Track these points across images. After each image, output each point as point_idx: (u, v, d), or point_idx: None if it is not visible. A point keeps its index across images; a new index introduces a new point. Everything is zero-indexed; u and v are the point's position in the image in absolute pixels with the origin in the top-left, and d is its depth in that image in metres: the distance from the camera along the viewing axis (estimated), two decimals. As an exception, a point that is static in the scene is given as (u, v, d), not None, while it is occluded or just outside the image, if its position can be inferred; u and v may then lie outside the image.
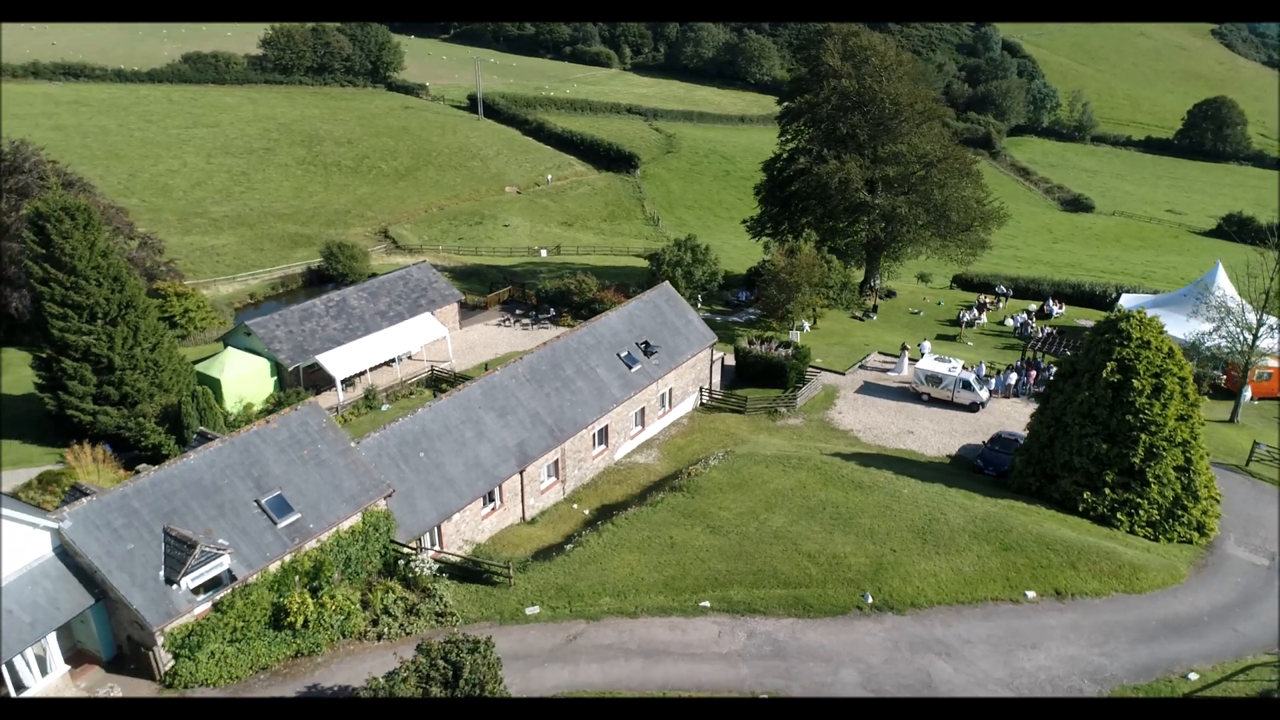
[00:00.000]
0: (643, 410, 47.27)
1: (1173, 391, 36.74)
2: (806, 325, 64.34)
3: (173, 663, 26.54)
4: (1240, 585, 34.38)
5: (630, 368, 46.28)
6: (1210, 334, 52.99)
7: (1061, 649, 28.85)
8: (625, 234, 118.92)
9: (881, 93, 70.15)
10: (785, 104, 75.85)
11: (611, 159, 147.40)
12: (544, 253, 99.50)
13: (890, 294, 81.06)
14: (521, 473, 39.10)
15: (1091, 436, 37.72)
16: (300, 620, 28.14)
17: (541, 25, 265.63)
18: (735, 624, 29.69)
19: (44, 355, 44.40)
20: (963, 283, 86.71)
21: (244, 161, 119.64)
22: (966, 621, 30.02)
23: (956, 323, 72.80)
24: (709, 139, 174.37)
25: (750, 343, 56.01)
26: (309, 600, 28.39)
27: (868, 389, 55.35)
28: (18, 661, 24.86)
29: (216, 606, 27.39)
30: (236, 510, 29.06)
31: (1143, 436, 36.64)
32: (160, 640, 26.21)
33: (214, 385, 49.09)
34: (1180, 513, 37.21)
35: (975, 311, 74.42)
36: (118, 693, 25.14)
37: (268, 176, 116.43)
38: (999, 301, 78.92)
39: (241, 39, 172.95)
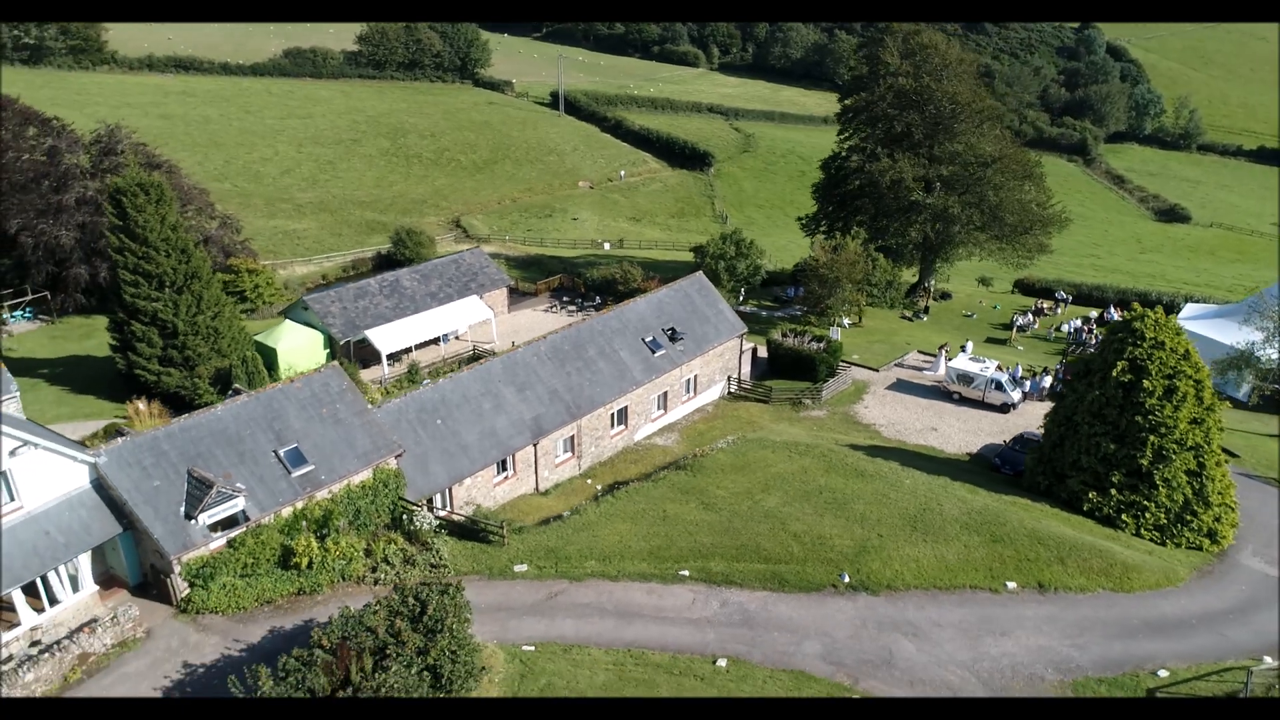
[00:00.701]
0: (665, 394, 48.62)
1: (1186, 393, 36.14)
2: (846, 321, 64.45)
3: (188, 590, 29.30)
4: (1243, 594, 33.68)
5: (654, 352, 47.69)
6: (1262, 344, 51.28)
7: (1032, 639, 29.03)
8: (691, 230, 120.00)
9: (939, 91, 69.71)
10: (843, 102, 75.97)
11: (686, 157, 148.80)
12: (607, 245, 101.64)
13: (945, 296, 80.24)
14: (535, 445, 40.99)
15: (1100, 436, 37.39)
16: (305, 561, 30.58)
17: (630, 25, 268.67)
18: (710, 593, 30.85)
19: (118, 319, 48.47)
20: (1024, 287, 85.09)
21: (331, 151, 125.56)
22: (940, 606, 30.45)
23: (1009, 326, 71.77)
24: (789, 139, 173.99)
25: (784, 335, 56.71)
26: (314, 544, 30.83)
27: (900, 386, 55.40)
28: (51, 577, 27.96)
29: (230, 543, 30.05)
30: (255, 458, 31.74)
31: (1152, 438, 36.16)
32: (178, 569, 28.99)
33: (270, 354, 52.58)
34: (1189, 518, 36.56)
35: (1030, 316, 73.16)
36: (135, 613, 27.97)
37: (352, 166, 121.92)
38: (1057, 307, 77.28)
39: (339, 36, 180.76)
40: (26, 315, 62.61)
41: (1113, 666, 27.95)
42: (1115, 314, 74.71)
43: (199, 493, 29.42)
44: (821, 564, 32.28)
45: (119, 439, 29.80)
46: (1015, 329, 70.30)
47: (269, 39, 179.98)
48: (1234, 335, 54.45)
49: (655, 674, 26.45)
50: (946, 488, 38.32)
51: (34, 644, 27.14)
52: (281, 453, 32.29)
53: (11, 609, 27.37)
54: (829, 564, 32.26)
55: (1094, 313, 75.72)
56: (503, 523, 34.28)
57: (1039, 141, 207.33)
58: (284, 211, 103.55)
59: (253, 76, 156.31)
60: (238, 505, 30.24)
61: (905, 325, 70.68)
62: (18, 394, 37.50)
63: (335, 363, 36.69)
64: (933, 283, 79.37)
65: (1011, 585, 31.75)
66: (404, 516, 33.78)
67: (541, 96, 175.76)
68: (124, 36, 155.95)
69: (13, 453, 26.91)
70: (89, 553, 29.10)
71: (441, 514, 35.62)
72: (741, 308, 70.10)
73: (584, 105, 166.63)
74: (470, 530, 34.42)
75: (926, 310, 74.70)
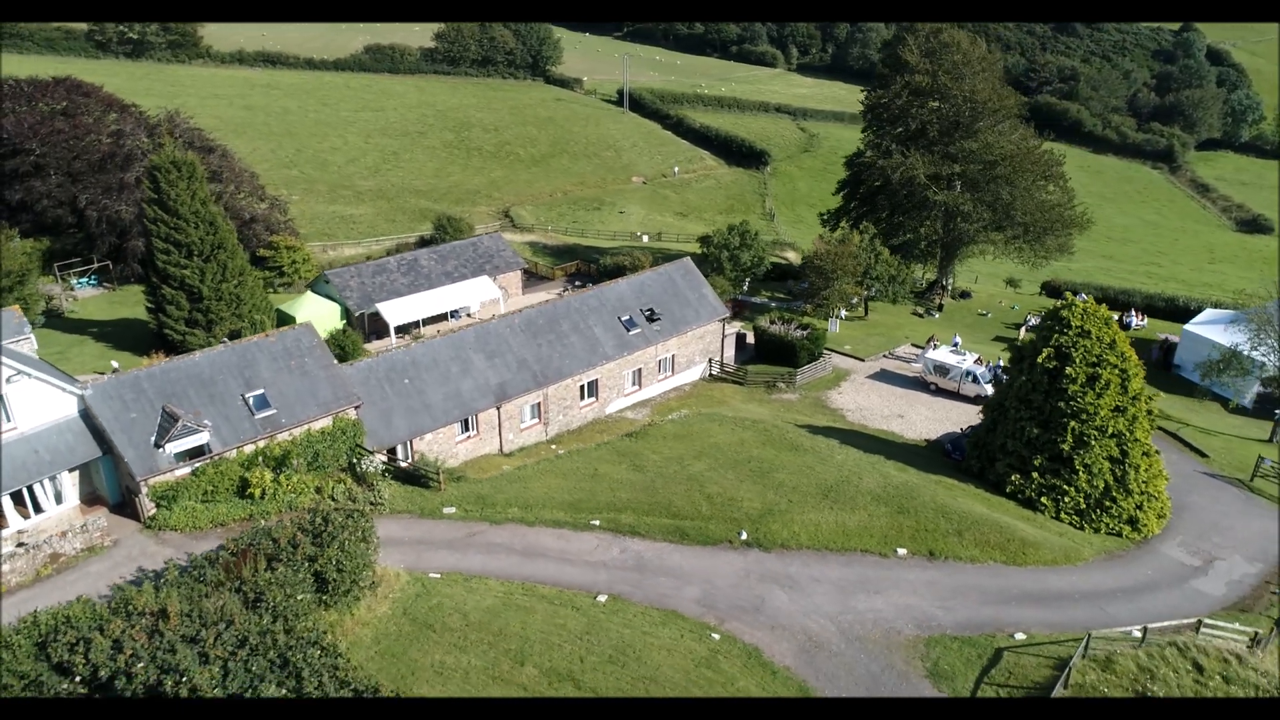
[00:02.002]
0: (639, 371, 51.26)
1: (1109, 381, 36.95)
2: (843, 313, 65.76)
3: (154, 510, 33.53)
4: (1146, 577, 34.46)
5: (629, 331, 50.40)
6: (1245, 346, 50.82)
7: (903, 598, 30.70)
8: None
9: (955, 89, 70.17)
10: (861, 101, 76.97)
11: (743, 155, 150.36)
12: (645, 238, 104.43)
13: (965, 295, 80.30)
14: (499, 409, 44.26)
15: (1025, 421, 38.48)
16: (259, 492, 34.51)
17: (710, 25, 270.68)
18: (614, 541, 33.47)
19: (153, 284, 53.85)
20: (1051, 290, 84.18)
21: (397, 142, 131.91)
22: (825, 565, 32.35)
23: (1030, 327, 71.63)
24: (854, 140, 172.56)
25: (770, 323, 58.62)
26: (268, 478, 34.73)
27: (882, 376, 56.69)
28: (37, 489, 32.58)
29: (194, 472, 34.20)
30: (224, 400, 35.89)
31: (1073, 424, 37.10)
32: (145, 490, 33.26)
33: (290, 322, 57.30)
34: (1109, 504, 37.32)
35: (1041, 317, 72.79)
36: (103, 524, 32.32)
37: (414, 157, 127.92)
38: (1076, 309, 76.39)
39: (419, 33, 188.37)
40: (91, 282, 69.24)
41: (973, 628, 29.45)
42: (1137, 319, 73.82)
43: (167, 425, 33.65)
44: (725, 522, 34.53)
45: (103, 376, 34.26)
46: (1024, 328, 70.11)
47: (354, 36, 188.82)
48: (1237, 339, 53.92)
49: (536, 603, 29.29)
50: (875, 465, 39.95)
51: (20, 545, 31.71)
52: (248, 397, 36.38)
53: (1, 515, 32.04)
54: (732, 523, 34.49)
55: (1115, 316, 74.64)
56: (439, 470, 37.62)
57: (1122, 148, 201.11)
58: (344, 198, 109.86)
59: (334, 71, 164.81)
60: (202, 439, 34.38)
61: (914, 321, 71.40)
62: (31, 335, 42.73)
63: (308, 322, 40.72)
64: (951, 281, 79.55)
65: (902, 552, 33.38)
66: (355, 461, 37.44)
67: (609, 94, 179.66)
68: (219, 33, 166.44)
69: (9, 380, 31.54)
70: (75, 472, 33.68)
71: (388, 461, 39.15)
72: (752, 298, 72.14)
73: (648, 103, 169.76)
74: (413, 476, 37.90)
75: (941, 307, 75.10)
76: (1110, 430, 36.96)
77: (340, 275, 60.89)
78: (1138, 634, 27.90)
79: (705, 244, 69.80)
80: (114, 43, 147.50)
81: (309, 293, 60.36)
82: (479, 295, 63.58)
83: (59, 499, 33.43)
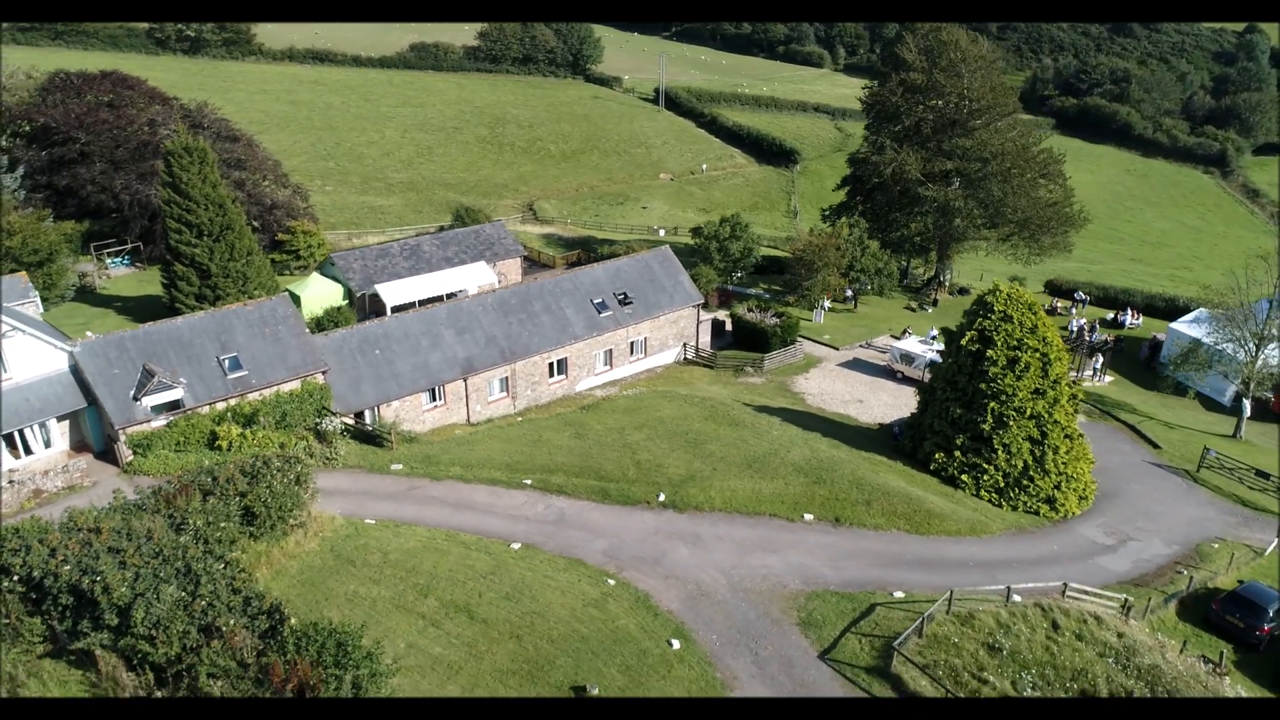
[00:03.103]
0: (610, 352, 53.79)
1: (1029, 364, 38.35)
2: (828, 304, 67.33)
3: (131, 457, 37.19)
4: (1052, 552, 35.89)
5: (600, 313, 52.98)
6: (1206, 336, 51.37)
7: (796, 557, 32.71)
8: (758, 223, 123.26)
9: (950, 87, 71.19)
10: (860, 99, 78.30)
11: (773, 153, 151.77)
12: (661, 232, 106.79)
13: (963, 291, 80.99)
14: (466, 381, 47.23)
15: (950, 402, 40.07)
16: (226, 444, 37.94)
17: (757, 25, 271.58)
18: (541, 498, 36.10)
19: (166, 261, 58.11)
20: (1053, 288, 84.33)
21: (432, 137, 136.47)
22: (732, 526, 34.51)
23: (1015, 323, 72.31)
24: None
25: (748, 310, 60.64)
26: (235, 432, 38.17)
27: (853, 364, 58.32)
28: (28, 433, 36.50)
29: (169, 424, 37.79)
30: (200, 361, 39.47)
31: (993, 405, 38.59)
32: (123, 439, 36.94)
33: (296, 301, 61.11)
34: (1027, 483, 38.71)
35: (1037, 313, 73.35)
36: (84, 466, 36.08)
37: (448, 151, 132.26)
38: (1073, 307, 76.78)
39: (463, 32, 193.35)
40: (125, 262, 74.25)
41: (856, 585, 31.35)
42: (1132, 318, 73.86)
43: (145, 380, 37.31)
44: (648, 486, 36.89)
45: (92, 336, 38.06)
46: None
47: (402, 35, 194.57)
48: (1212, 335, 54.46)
49: (453, 546, 32.06)
50: (808, 441, 41.90)
51: (10, 482, 35.59)
52: (223, 359, 39.92)
53: (-5, 454, 36.07)
54: (654, 486, 36.83)
55: (1110, 314, 74.95)
56: (391, 432, 40.68)
57: (1173, 151, 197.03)
58: (376, 189, 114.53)
59: (379, 69, 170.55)
60: (176, 394, 37.97)
61: (906, 314, 72.53)
62: (36, 298, 46.94)
63: (285, 292, 44.18)
64: (949, 276, 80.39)
65: (809, 517, 35.36)
66: (318, 421, 40.74)
67: (647, 93, 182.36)
68: (271, 31, 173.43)
69: (5, 335, 35.47)
70: (64, 421, 37.56)
71: (355, 423, 42.35)
72: (748, 289, 74.06)
73: (684, 101, 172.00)
74: (370, 436, 41.04)
75: (935, 302, 76.09)
76: (1029, 412, 38.36)
77: (345, 258, 64.60)
78: (1002, 593, 29.56)
79: (696, 234, 72.04)
80: (172, 40, 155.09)
81: (315, 274, 64.19)
82: (475, 279, 66.71)
83: (47, 443, 37.32)
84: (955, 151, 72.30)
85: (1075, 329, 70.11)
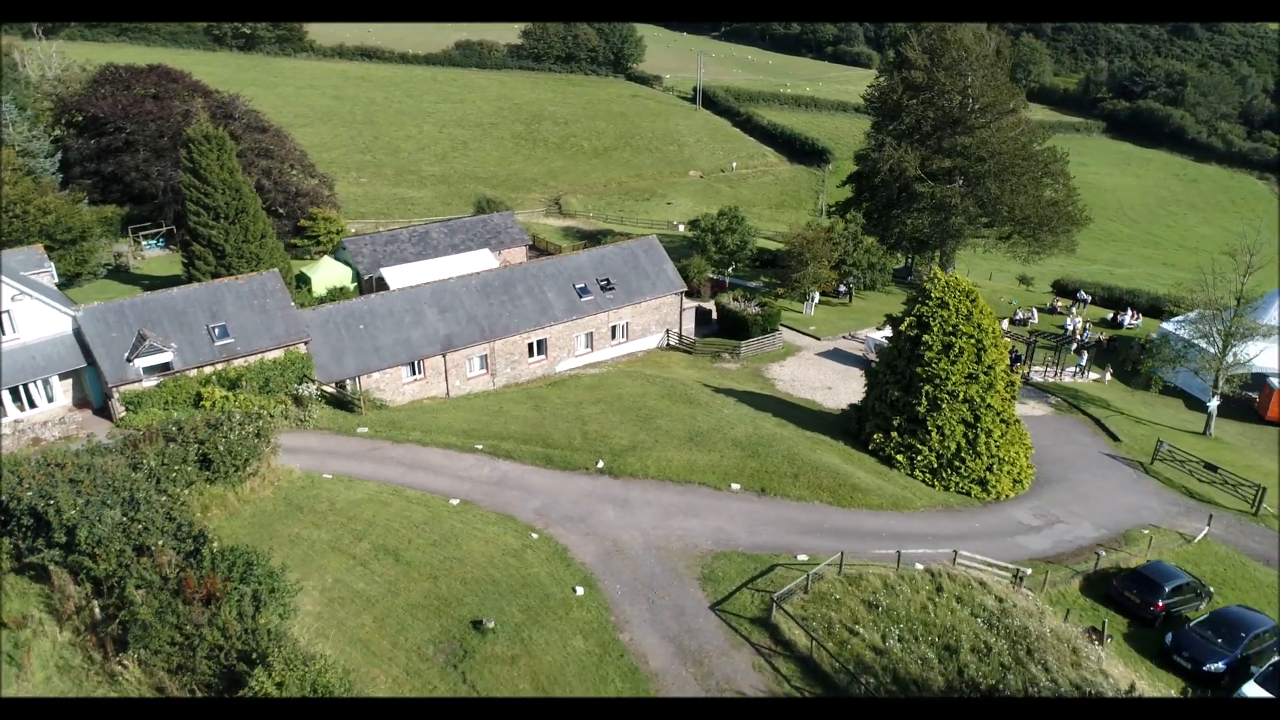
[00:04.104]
0: (591, 335, 56.23)
1: (963, 350, 39.74)
2: (818, 296, 68.80)
3: (124, 413, 40.83)
4: (972, 529, 37.29)
5: (581, 297, 55.46)
6: (1175, 330, 51.89)
7: (717, 522, 34.70)
8: (782, 222, 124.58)
9: (950, 85, 72.04)
10: (862, 97, 79.46)
11: (805, 153, 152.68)
12: (681, 227, 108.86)
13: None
14: (445, 357, 50.12)
15: (890, 384, 41.60)
16: (210, 404, 41.34)
17: (806, 25, 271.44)
18: (489, 461, 38.68)
19: (186, 242, 62.25)
20: (1059, 288, 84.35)
21: (469, 133, 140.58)
22: (662, 492, 36.64)
23: (1013, 320, 72.93)
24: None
25: (733, 300, 62.56)
26: (218, 393, 41.58)
27: (833, 354, 59.85)
28: (33, 388, 40.38)
29: (159, 385, 41.36)
30: (191, 328, 43.00)
31: (927, 388, 40.07)
32: (116, 396, 40.60)
33: (306, 282, 64.94)
34: (959, 464, 40.08)
35: (1033, 311, 73.85)
36: (79, 419, 39.79)
37: (482, 146, 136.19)
38: (1073, 306, 76.93)
39: (508, 31, 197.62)
40: (159, 244, 79.11)
41: (765, 548, 33.25)
42: (1131, 318, 73.83)
43: (138, 343, 40.91)
44: (589, 454, 39.23)
45: (95, 304, 41.83)
46: (1009, 320, 71.46)
47: (449, 33, 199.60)
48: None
49: (397, 500, 34.80)
50: (755, 419, 43.80)
51: (13, 431, 39.49)
52: (212, 327, 43.41)
53: (1, 406, 39.95)
54: (595, 454, 39.15)
55: (1109, 314, 75.02)
56: (361, 397, 43.71)
57: (1227, 156, 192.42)
58: (408, 181, 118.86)
59: (425, 65, 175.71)
60: (166, 357, 41.53)
61: (902, 309, 73.46)
62: (50, 268, 51.08)
63: (275, 269, 47.57)
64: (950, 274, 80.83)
65: (736, 487, 37.33)
66: (296, 387, 43.99)
67: (687, 91, 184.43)
68: (322, 29, 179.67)
69: (13, 299, 39.35)
70: (68, 380, 41.38)
71: (336, 390, 45.51)
72: (748, 281, 75.87)
73: (721, 100, 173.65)
74: (343, 402, 44.14)
75: (935, 299, 76.79)
76: (962, 395, 39.74)
77: (355, 243, 68.18)
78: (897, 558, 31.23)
79: (694, 227, 74.09)
80: (229, 37, 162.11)
81: (326, 257, 67.89)
82: (478, 266, 69.55)
83: (50, 398, 41.19)
84: (955, 149, 73.08)
85: (1071, 327, 70.48)
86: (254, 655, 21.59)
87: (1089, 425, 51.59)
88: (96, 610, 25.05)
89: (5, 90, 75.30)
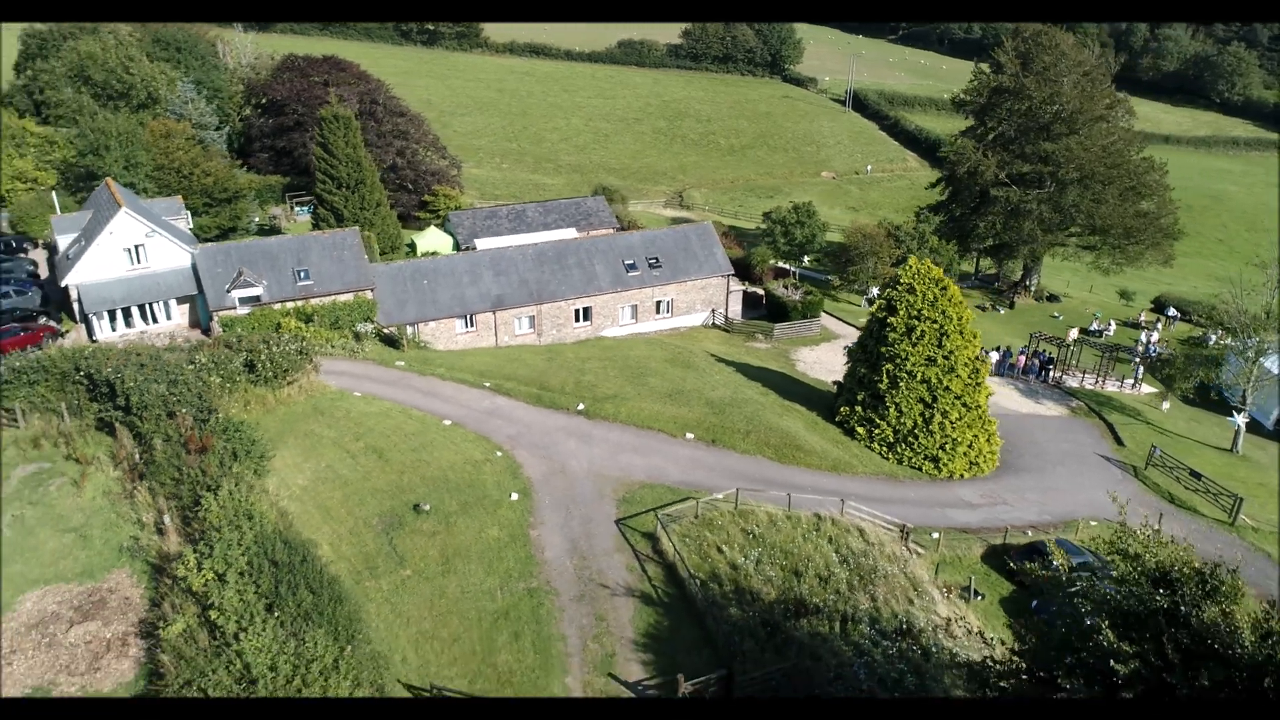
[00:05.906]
0: (636, 307, 61.78)
1: (925, 333, 42.36)
2: (874, 290, 70.86)
3: (220, 332, 50.50)
4: (904, 496, 40.14)
5: (628, 272, 61.13)
6: (1204, 335, 51.27)
7: (659, 462, 39.47)
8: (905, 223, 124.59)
9: (1038, 92, 71.95)
10: (952, 102, 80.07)
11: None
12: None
13: (1053, 297, 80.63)
14: (495, 314, 57.27)
15: (859, 362, 44.71)
16: (288, 332, 50.34)
17: (988, 29, 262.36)
18: (490, 396, 45.15)
19: (313, 205, 72.92)
20: (1158, 305, 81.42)
21: (612, 126, 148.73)
22: (622, 433, 41.77)
23: (1086, 330, 72.14)
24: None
25: (783, 287, 66.23)
26: (293, 324, 50.51)
27: (869, 343, 62.33)
28: (156, 308, 50.76)
29: (249, 313, 50.80)
30: (280, 270, 52.26)
31: (888, 366, 42.98)
32: (215, 319, 50.32)
33: (413, 247, 74.33)
34: (913, 440, 42.73)
35: (1111, 324, 72.55)
36: (186, 333, 49.70)
37: (621, 140, 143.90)
38: (1157, 322, 74.59)
39: (670, 30, 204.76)
40: (309, 210, 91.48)
41: (690, 485, 37.71)
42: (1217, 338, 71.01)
43: (235, 278, 50.49)
44: (575, 398, 44.93)
45: (210, 244, 51.85)
46: (1079, 329, 70.66)
47: (614, 32, 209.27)
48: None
49: (400, 417, 41.85)
50: (739, 386, 48.01)
51: (142, 338, 49.90)
52: (296, 269, 52.49)
53: (132, 320, 50.57)
54: (577, 398, 44.81)
55: (1199, 333, 72.28)
56: (405, 336, 51.37)
57: None
58: (545, 169, 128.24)
59: (587, 63, 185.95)
60: (256, 291, 50.92)
61: (974, 314, 74.10)
62: (187, 214, 62.19)
63: (356, 226, 56.26)
64: (1035, 281, 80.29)
65: (690, 436, 41.91)
66: (358, 326, 52.38)
67: (839, 94, 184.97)
68: (498, 26, 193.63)
69: (147, 235, 49.79)
70: (184, 304, 51.63)
71: (394, 331, 53.53)
72: (819, 274, 78.86)
73: (871, 103, 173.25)
74: (393, 340, 52.05)
75: (1012, 305, 76.94)
76: (920, 376, 42.36)
77: (459, 216, 76.90)
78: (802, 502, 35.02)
79: (766, 219, 77.79)
80: (414, 33, 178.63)
81: (432, 227, 77.04)
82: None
83: (169, 317, 51.54)
84: (1038, 155, 72.87)
85: (1145, 340, 68.94)
86: (214, 488, 29.03)
87: (1100, 429, 51.88)
88: (136, 454, 33.50)
89: (190, 74, 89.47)
